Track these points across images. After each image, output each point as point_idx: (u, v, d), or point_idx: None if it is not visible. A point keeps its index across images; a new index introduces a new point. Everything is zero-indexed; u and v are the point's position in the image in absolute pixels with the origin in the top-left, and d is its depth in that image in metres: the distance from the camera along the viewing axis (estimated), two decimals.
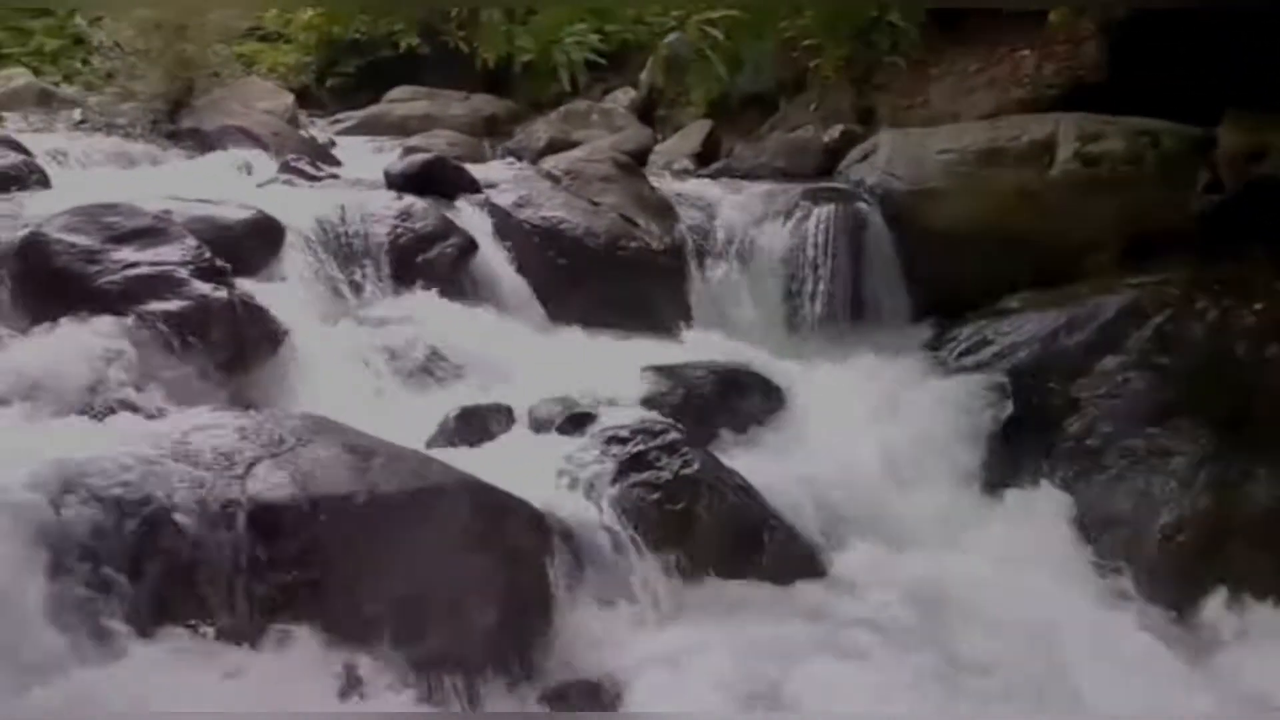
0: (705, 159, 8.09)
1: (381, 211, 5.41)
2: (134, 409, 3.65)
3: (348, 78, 11.91)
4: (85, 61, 9.97)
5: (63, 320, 3.88)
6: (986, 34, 7.28)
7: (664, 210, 6.14)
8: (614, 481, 3.80)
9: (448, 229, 5.48)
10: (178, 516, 2.90)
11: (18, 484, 2.85)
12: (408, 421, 4.09)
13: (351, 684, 2.86)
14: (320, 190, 6.16)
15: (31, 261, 4.15)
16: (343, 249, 5.17)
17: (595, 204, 6.00)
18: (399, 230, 5.32)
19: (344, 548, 3.09)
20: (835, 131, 7.21)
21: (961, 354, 5.23)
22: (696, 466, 3.96)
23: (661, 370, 4.65)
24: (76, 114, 8.99)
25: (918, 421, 4.70)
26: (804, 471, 4.34)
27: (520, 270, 5.58)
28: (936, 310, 5.66)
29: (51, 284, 4.08)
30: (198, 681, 2.71)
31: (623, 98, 9.87)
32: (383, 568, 3.11)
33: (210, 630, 2.82)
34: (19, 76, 10.80)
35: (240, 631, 2.87)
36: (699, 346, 5.16)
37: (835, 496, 4.26)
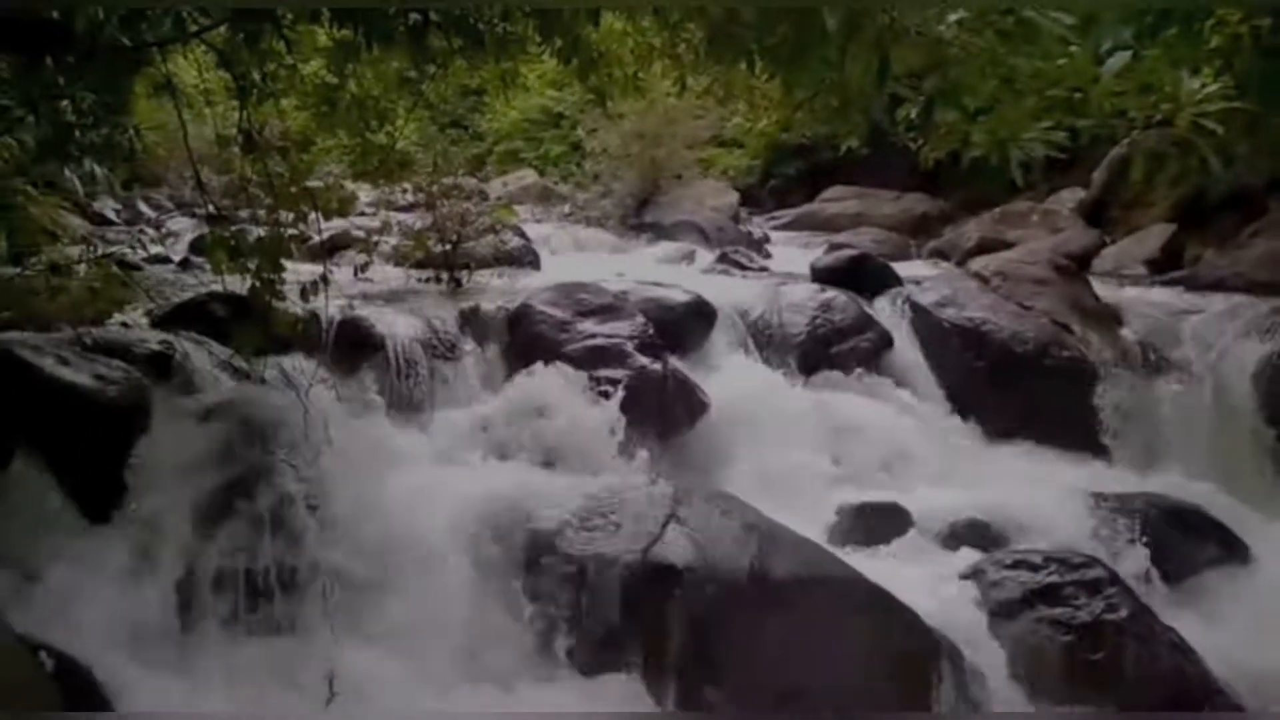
0: (1163, 266, 7.19)
1: (804, 302, 5.67)
2: (570, 460, 4.22)
3: (788, 179, 12.76)
4: (579, 165, 12.01)
5: (527, 378, 4.64)
6: None
7: (1108, 319, 5.57)
8: (1018, 612, 3.46)
9: (865, 323, 5.57)
10: (590, 565, 3.31)
11: (470, 515, 3.48)
12: (807, 506, 4.17)
13: None
14: (751, 280, 6.65)
15: (519, 327, 5.06)
16: (766, 334, 5.50)
17: (1026, 307, 5.65)
18: (818, 321, 5.52)
19: (732, 621, 3.22)
20: None
21: None
22: (1123, 613, 3.44)
23: (1091, 495, 4.17)
24: (566, 208, 10.81)
25: None
26: (1267, 643, 3.56)
27: (936, 369, 5.44)
28: None
29: (531, 346, 4.92)
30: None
31: (1069, 198, 9.21)
32: (766, 647, 3.19)
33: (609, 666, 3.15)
34: (528, 176, 13.37)
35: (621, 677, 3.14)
36: (1138, 474, 4.55)
37: None
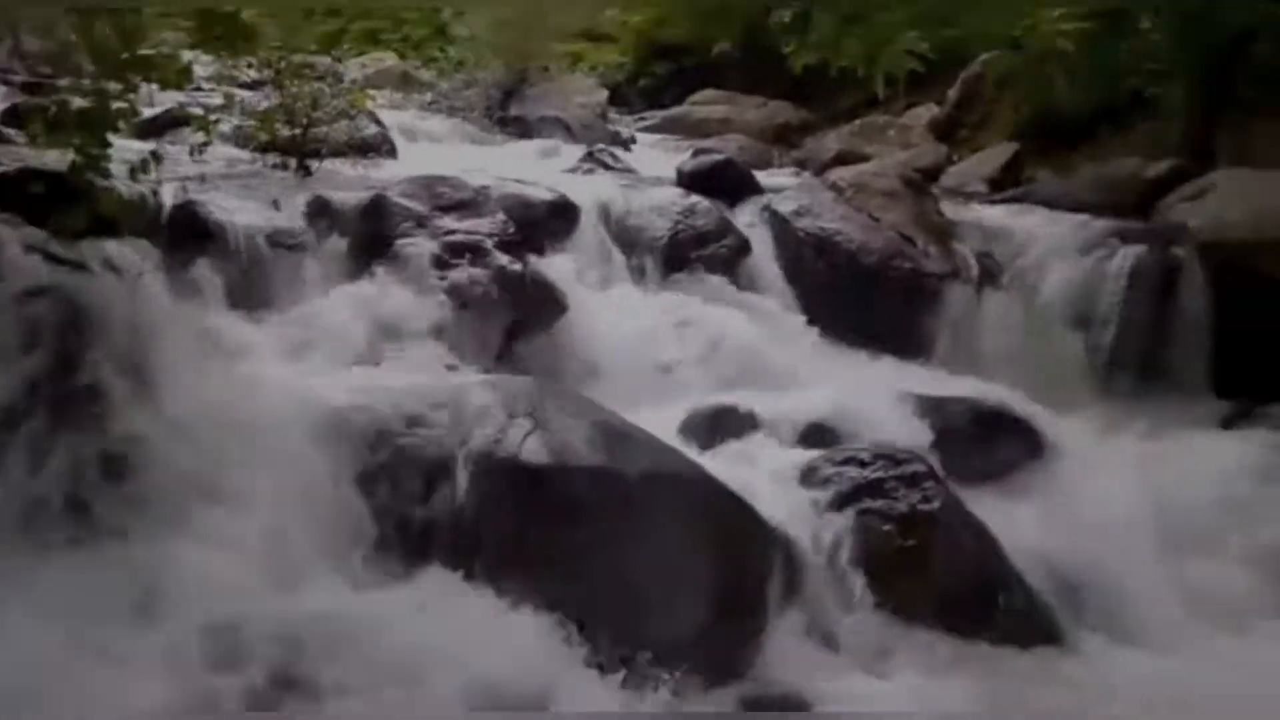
0: (1002, 184, 7.59)
1: (667, 205, 5.70)
2: (426, 361, 4.14)
3: (658, 79, 12.57)
4: (443, 50, 11.40)
5: (380, 273, 4.48)
6: None
7: (947, 233, 5.88)
8: (845, 505, 3.72)
9: (725, 229, 5.67)
10: (433, 462, 3.29)
11: (308, 412, 3.38)
12: (660, 408, 4.28)
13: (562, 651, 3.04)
14: (615, 180, 6.60)
15: (372, 219, 4.83)
16: (628, 236, 5.51)
17: (875, 220, 5.88)
18: (680, 225, 5.58)
19: (578, 518, 3.30)
20: (1162, 166, 6.46)
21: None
22: (936, 505, 3.76)
23: (916, 398, 4.49)
24: (428, 96, 10.30)
25: (1200, 497, 4.15)
26: (1060, 534, 3.99)
27: (789, 277, 5.63)
28: (1248, 384, 4.95)
29: (384, 241, 4.72)
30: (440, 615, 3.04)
31: (924, 114, 9.54)
32: (611, 544, 3.28)
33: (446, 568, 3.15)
34: (388, 59, 12.60)
35: (471, 575, 3.14)
36: (961, 379, 4.92)
37: (1094, 570, 3.84)
